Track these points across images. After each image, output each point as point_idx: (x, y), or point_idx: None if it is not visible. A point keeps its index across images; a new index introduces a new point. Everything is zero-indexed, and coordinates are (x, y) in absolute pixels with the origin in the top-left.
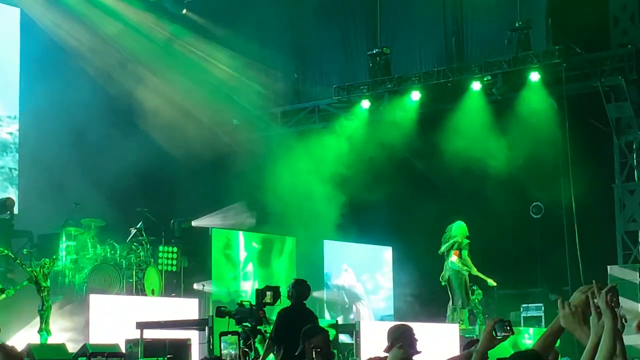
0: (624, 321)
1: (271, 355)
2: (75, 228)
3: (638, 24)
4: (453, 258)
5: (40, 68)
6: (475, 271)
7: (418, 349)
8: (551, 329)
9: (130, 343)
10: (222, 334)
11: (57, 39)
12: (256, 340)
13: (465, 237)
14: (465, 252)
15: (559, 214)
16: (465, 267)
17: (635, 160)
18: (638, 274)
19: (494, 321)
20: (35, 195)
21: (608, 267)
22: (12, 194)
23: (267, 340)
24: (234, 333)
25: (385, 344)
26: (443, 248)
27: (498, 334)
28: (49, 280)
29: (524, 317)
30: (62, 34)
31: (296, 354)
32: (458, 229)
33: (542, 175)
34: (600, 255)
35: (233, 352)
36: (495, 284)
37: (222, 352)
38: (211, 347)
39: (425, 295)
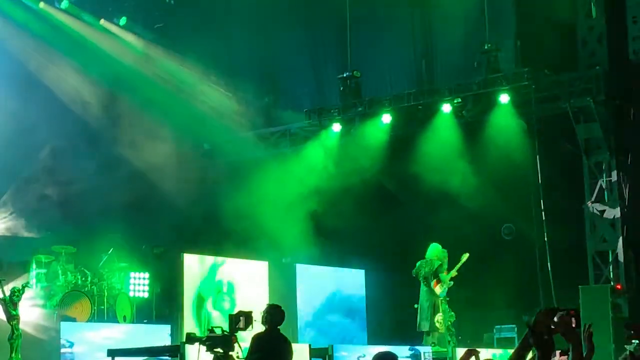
0: None
1: None
2: (46, 255)
3: (605, 45)
4: (436, 288)
5: (7, 90)
6: (453, 273)
7: None
8: (522, 344)
9: None
10: None
11: (24, 62)
12: None
13: (439, 258)
14: (442, 276)
15: (530, 235)
16: (444, 289)
17: (605, 181)
18: (609, 293)
19: (467, 354)
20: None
21: (579, 287)
22: None
23: None
24: None
25: None
26: (419, 272)
27: None
28: (18, 308)
29: (496, 338)
30: (29, 58)
31: None
32: (431, 252)
33: (513, 196)
34: (571, 276)
35: None
36: (467, 254)
37: None
38: None
39: (398, 318)
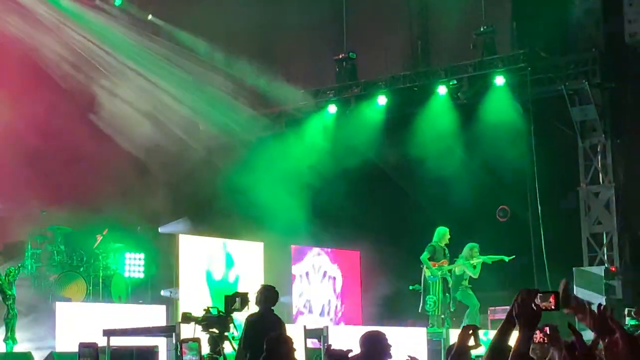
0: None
1: None
2: (41, 235)
3: (601, 27)
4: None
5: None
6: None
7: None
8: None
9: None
10: (183, 340)
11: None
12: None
13: (441, 241)
14: (440, 256)
15: (525, 217)
16: (440, 272)
17: (599, 163)
18: (603, 275)
19: (465, 330)
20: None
21: (574, 269)
22: None
23: (238, 347)
24: (194, 340)
25: (355, 348)
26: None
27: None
28: (14, 288)
29: (491, 320)
30: (30, 38)
31: None
32: (436, 234)
33: (508, 178)
34: (565, 258)
35: (194, 358)
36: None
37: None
38: (178, 354)
39: (394, 299)
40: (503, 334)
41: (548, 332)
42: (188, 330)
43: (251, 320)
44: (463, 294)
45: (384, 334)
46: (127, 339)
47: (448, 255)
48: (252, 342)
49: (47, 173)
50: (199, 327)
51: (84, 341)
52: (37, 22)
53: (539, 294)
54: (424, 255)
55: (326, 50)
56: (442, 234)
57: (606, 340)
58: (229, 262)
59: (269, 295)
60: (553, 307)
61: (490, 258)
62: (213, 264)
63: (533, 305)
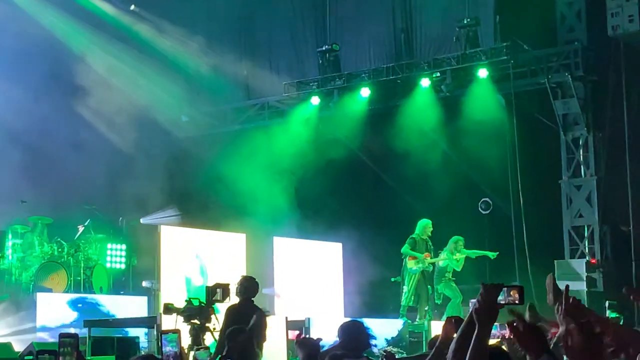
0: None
1: None
2: (22, 226)
3: (584, 20)
4: (410, 262)
5: None
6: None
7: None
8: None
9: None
10: (163, 332)
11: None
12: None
13: (423, 233)
14: (421, 249)
15: (507, 210)
16: (420, 265)
17: (581, 156)
18: (584, 268)
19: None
20: None
21: (555, 262)
22: None
23: (219, 338)
24: (174, 331)
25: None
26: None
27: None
28: None
29: None
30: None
31: (223, 354)
32: (418, 226)
33: (491, 171)
34: (547, 250)
35: (173, 351)
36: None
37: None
38: (159, 344)
39: (376, 291)
40: (466, 336)
41: (530, 312)
42: (169, 321)
43: (231, 311)
44: (446, 286)
45: (361, 324)
46: (108, 329)
47: (432, 247)
48: None
49: (28, 162)
50: (180, 318)
51: (65, 332)
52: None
53: (504, 289)
54: (405, 248)
55: (309, 42)
56: (423, 226)
57: (564, 329)
58: (209, 253)
59: (249, 286)
60: (517, 301)
61: (474, 253)
62: (195, 255)
63: (497, 301)
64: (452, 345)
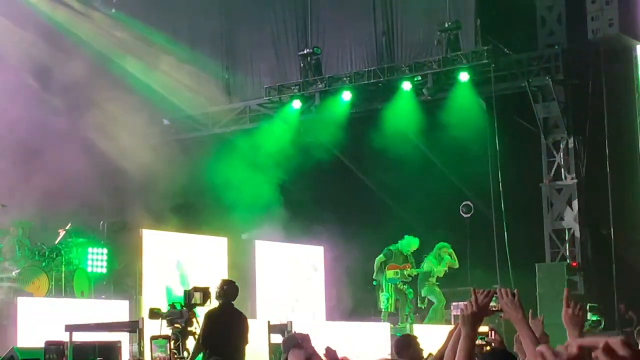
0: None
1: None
2: (2, 230)
3: (564, 24)
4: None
5: None
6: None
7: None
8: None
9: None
10: (153, 337)
11: None
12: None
13: (405, 249)
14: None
15: (488, 213)
16: (398, 277)
17: (562, 160)
18: (565, 271)
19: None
20: None
21: (536, 264)
22: None
23: (196, 341)
24: (164, 337)
25: (319, 344)
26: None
27: None
28: None
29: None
30: None
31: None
32: (404, 240)
33: (472, 174)
34: (528, 253)
35: (162, 355)
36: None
37: (153, 355)
38: (142, 349)
39: (357, 294)
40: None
41: (513, 295)
42: (152, 326)
43: (210, 315)
44: (430, 290)
45: (307, 335)
46: (89, 334)
47: (413, 262)
48: (211, 337)
49: (8, 165)
50: (165, 323)
51: (50, 339)
52: None
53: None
54: (379, 258)
55: (290, 45)
56: (408, 242)
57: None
58: (191, 257)
59: (228, 289)
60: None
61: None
62: (177, 259)
63: (489, 307)
64: (447, 352)
